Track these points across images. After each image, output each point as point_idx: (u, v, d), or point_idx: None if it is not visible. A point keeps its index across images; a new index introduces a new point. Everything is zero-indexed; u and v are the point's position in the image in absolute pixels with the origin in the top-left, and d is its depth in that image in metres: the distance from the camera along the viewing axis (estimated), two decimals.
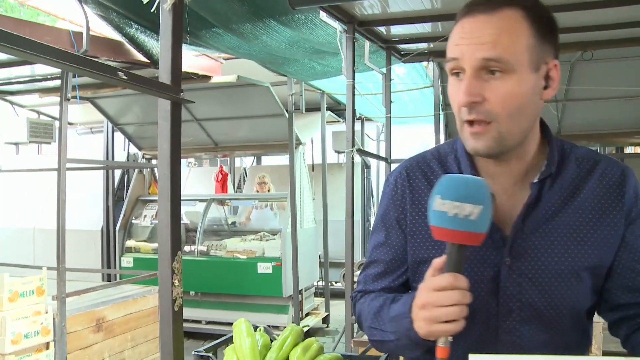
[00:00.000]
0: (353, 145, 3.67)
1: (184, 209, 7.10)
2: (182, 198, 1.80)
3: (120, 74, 1.44)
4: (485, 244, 1.09)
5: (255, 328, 1.63)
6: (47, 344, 3.61)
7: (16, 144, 7.63)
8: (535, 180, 1.11)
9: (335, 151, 8.48)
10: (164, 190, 1.73)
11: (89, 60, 1.41)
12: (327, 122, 7.24)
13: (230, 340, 1.63)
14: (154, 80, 1.71)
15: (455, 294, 0.98)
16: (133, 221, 7.24)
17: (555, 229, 1.10)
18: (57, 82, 4.68)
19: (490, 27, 1.02)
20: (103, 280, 6.57)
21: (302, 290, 6.46)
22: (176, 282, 1.66)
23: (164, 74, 1.72)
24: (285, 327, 1.78)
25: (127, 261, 6.94)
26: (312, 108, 6.90)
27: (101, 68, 1.41)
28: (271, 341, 1.62)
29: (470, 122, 1.05)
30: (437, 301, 0.99)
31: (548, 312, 1.11)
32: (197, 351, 1.59)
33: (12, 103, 7.36)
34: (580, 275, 1.10)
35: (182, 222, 2.59)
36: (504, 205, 1.12)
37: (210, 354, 1.61)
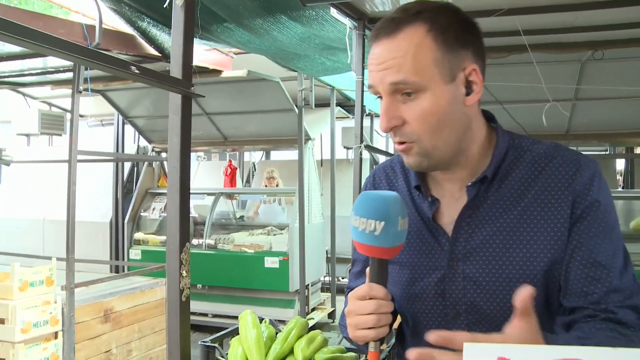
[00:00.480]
0: (361, 142, 3.68)
1: (193, 202, 7.13)
2: (190, 191, 1.82)
3: (133, 68, 1.46)
4: (434, 248, 1.12)
5: (261, 320, 1.66)
6: (56, 333, 3.65)
7: (27, 135, 7.68)
8: (469, 184, 1.09)
9: (344, 147, 8.47)
10: (173, 183, 1.75)
11: (102, 54, 1.43)
12: (337, 117, 7.25)
13: (236, 332, 1.65)
14: (165, 74, 1.73)
15: (371, 304, 1.01)
16: (142, 214, 7.29)
17: (500, 232, 1.07)
18: (69, 75, 4.71)
19: (393, 51, 1.01)
20: (111, 271, 6.64)
21: (308, 285, 6.49)
22: (184, 273, 1.68)
23: (175, 69, 1.74)
24: None
25: (135, 253, 7.00)
26: (322, 104, 6.92)
27: (113, 62, 1.43)
28: (276, 333, 1.64)
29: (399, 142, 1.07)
30: (357, 309, 1.03)
31: (495, 315, 1.07)
32: (203, 341, 1.62)
33: (24, 95, 7.42)
34: (525, 279, 1.04)
35: (190, 215, 2.61)
36: (451, 210, 1.12)
37: (216, 345, 1.63)
